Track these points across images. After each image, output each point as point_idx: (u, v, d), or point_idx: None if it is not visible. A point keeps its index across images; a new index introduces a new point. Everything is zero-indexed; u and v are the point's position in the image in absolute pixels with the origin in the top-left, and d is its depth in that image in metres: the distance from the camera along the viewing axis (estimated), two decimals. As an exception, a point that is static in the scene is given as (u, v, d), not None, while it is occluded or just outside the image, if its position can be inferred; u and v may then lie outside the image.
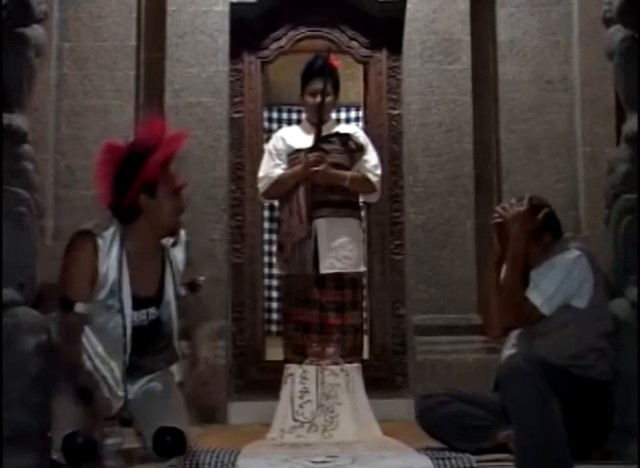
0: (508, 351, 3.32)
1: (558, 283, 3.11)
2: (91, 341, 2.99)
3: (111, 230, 3.01)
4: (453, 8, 5.02)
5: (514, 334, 3.32)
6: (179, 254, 3.17)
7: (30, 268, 3.27)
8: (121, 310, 3.00)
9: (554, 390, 2.80)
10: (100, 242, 2.98)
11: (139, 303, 3.05)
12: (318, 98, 4.25)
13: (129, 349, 3.02)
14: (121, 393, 3.02)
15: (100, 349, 3.00)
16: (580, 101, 4.89)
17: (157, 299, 3.10)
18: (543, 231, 3.30)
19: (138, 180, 2.95)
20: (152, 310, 3.08)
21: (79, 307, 2.93)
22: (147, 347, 3.12)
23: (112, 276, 2.98)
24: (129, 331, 3.02)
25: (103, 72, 4.87)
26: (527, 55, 4.98)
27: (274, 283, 6.89)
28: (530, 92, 4.96)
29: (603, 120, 4.77)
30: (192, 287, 3.20)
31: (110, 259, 2.98)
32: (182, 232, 3.21)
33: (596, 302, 3.15)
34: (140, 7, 5.00)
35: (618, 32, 3.55)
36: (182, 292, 3.17)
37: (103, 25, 4.89)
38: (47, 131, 4.70)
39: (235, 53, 5.15)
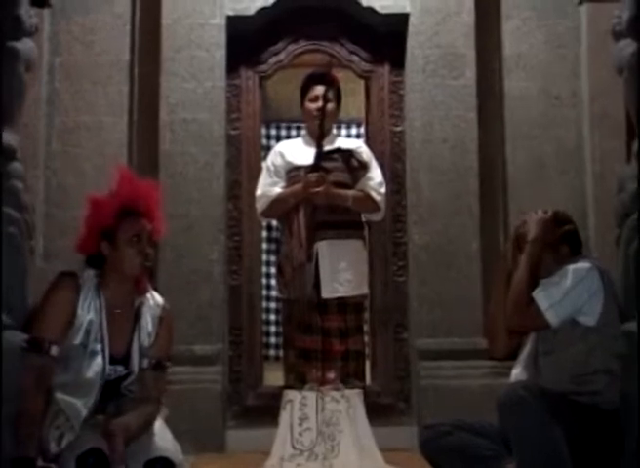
0: (515, 371, 3.24)
1: (566, 290, 3.03)
2: (58, 378, 2.95)
3: (88, 275, 3.03)
4: (457, 21, 4.99)
5: (523, 356, 3.23)
6: (147, 325, 3.09)
7: (21, 290, 3.17)
8: (103, 353, 2.97)
9: (557, 419, 2.74)
10: (81, 283, 3.00)
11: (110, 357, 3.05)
12: (319, 103, 4.14)
13: (98, 395, 2.97)
14: (77, 428, 2.92)
15: (68, 388, 2.93)
16: (589, 117, 4.85)
17: (124, 359, 3.05)
18: (562, 244, 3.23)
19: (93, 228, 3.01)
20: (120, 368, 3.03)
21: (54, 350, 2.90)
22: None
23: (93, 320, 2.98)
24: (105, 374, 2.99)
25: (96, 87, 4.80)
26: (534, 69, 4.94)
27: (273, 305, 6.87)
28: (537, 107, 4.92)
29: (612, 136, 4.68)
30: (156, 365, 3.09)
31: (87, 303, 3.00)
32: (158, 300, 3.14)
33: (607, 320, 3.04)
34: (135, 20, 4.93)
35: (627, 46, 3.46)
36: (145, 364, 3.07)
37: (96, 39, 4.82)
38: (37, 147, 4.62)
39: (232, 67, 5.11)
